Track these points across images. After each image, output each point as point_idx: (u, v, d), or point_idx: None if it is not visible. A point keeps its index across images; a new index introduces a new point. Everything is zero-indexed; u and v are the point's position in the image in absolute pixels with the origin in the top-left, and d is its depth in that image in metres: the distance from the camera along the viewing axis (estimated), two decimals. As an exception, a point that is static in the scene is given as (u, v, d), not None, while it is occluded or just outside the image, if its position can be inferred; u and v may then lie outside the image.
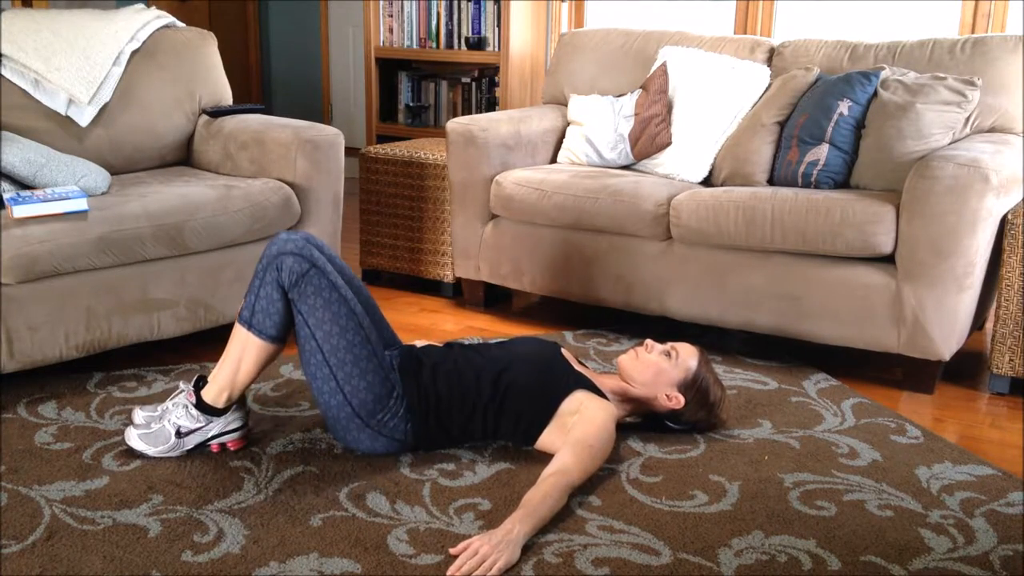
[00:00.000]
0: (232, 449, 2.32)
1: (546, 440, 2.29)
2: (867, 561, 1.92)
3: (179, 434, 2.28)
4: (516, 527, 1.92)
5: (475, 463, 2.29)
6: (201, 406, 2.29)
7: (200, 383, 2.33)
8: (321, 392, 2.24)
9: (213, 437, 2.31)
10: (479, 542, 1.88)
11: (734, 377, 2.89)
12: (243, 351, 2.26)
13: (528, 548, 1.92)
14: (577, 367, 2.41)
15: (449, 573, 1.83)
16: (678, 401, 2.40)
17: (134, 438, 2.30)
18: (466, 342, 2.82)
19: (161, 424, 2.30)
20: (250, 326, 2.25)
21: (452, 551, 1.90)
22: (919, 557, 1.94)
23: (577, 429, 2.20)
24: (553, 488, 2.03)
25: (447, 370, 2.32)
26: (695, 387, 2.40)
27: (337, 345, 2.21)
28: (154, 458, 2.28)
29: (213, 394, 2.29)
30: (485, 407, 2.30)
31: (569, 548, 1.93)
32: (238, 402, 2.33)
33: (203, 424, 2.29)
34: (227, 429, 2.32)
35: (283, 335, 2.27)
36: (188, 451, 2.30)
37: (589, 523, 2.03)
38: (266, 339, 2.25)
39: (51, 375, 2.77)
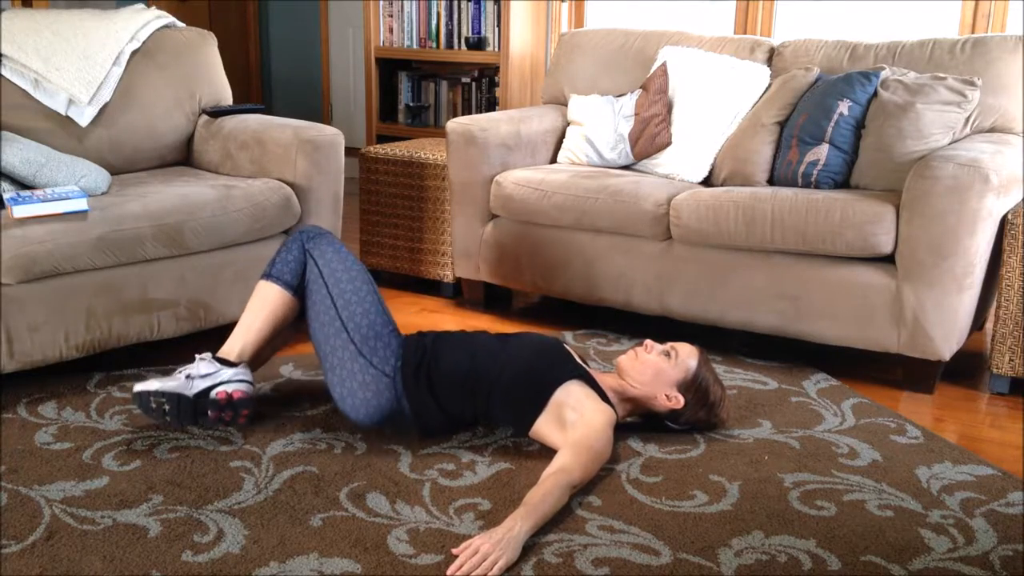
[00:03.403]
0: (236, 398, 2.35)
1: (541, 429, 2.29)
2: (867, 561, 1.92)
3: (188, 377, 2.36)
4: (517, 525, 1.92)
5: (475, 463, 2.29)
6: (215, 358, 2.41)
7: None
8: (322, 325, 2.36)
9: (220, 383, 2.36)
10: (480, 540, 1.88)
11: (734, 377, 2.89)
12: (260, 303, 2.45)
13: (528, 548, 1.92)
14: (579, 362, 2.42)
15: (450, 572, 1.84)
16: (677, 401, 2.40)
17: (144, 382, 2.36)
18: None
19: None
20: (269, 276, 2.45)
21: (454, 551, 1.90)
22: (919, 557, 1.94)
23: (578, 431, 2.21)
24: (554, 487, 2.03)
25: (446, 340, 2.44)
26: (694, 387, 2.41)
27: (340, 279, 2.39)
28: (160, 392, 2.32)
29: (226, 349, 2.44)
30: (478, 380, 2.34)
31: (569, 548, 1.93)
32: (249, 364, 2.44)
33: (213, 371, 2.37)
34: (235, 379, 2.38)
35: (298, 287, 2.44)
36: (195, 395, 2.33)
37: (589, 523, 2.03)
38: (283, 286, 2.43)
39: (51, 375, 2.77)
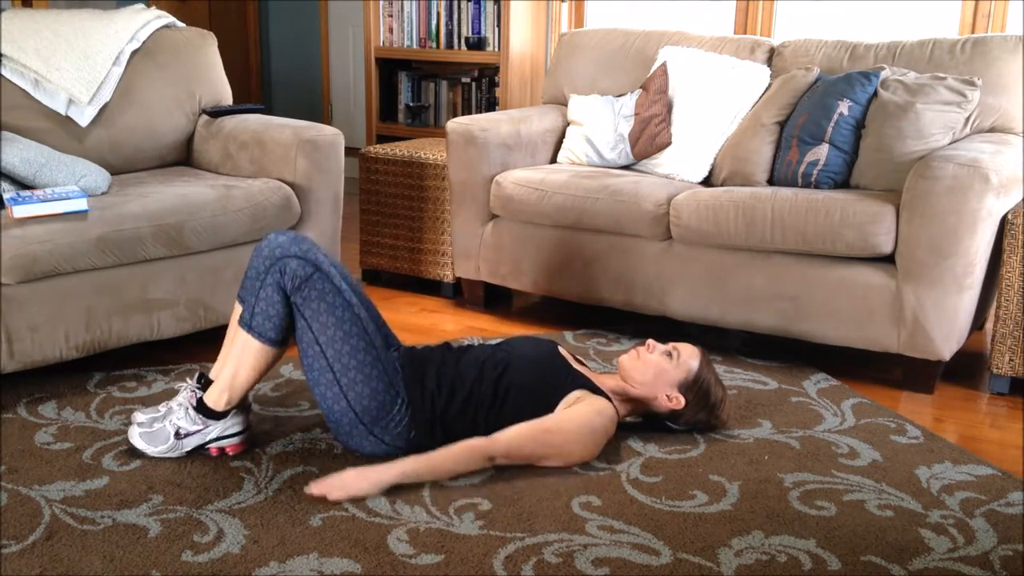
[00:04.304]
0: (230, 453, 2.31)
1: None
2: (867, 561, 1.92)
3: (178, 435, 2.27)
4: (395, 466, 2.08)
5: (475, 463, 2.29)
6: (201, 408, 2.28)
7: (202, 380, 2.33)
8: (324, 398, 2.23)
9: (212, 440, 2.30)
10: (353, 471, 2.07)
11: (734, 377, 2.89)
12: (242, 353, 2.25)
13: (528, 548, 1.92)
14: (576, 366, 2.41)
15: (307, 489, 2.02)
16: (678, 402, 2.40)
17: (135, 436, 2.29)
18: (465, 343, 2.82)
19: (162, 424, 2.29)
20: (250, 329, 2.22)
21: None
22: (919, 557, 1.94)
23: (552, 417, 2.23)
24: (465, 449, 2.14)
25: (450, 374, 2.31)
26: (696, 388, 2.40)
27: (341, 350, 2.20)
28: (153, 457, 2.28)
29: (214, 396, 2.28)
30: (488, 410, 2.29)
31: (569, 548, 1.93)
32: (238, 406, 2.31)
33: (202, 427, 2.28)
34: (226, 433, 2.30)
35: (284, 338, 2.25)
36: (187, 452, 2.29)
37: (589, 523, 2.03)
38: (267, 342, 2.23)
39: (51, 375, 2.77)
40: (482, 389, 2.29)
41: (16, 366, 2.58)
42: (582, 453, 2.26)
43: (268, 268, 2.21)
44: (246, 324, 2.23)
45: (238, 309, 2.34)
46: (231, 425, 2.31)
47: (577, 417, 2.24)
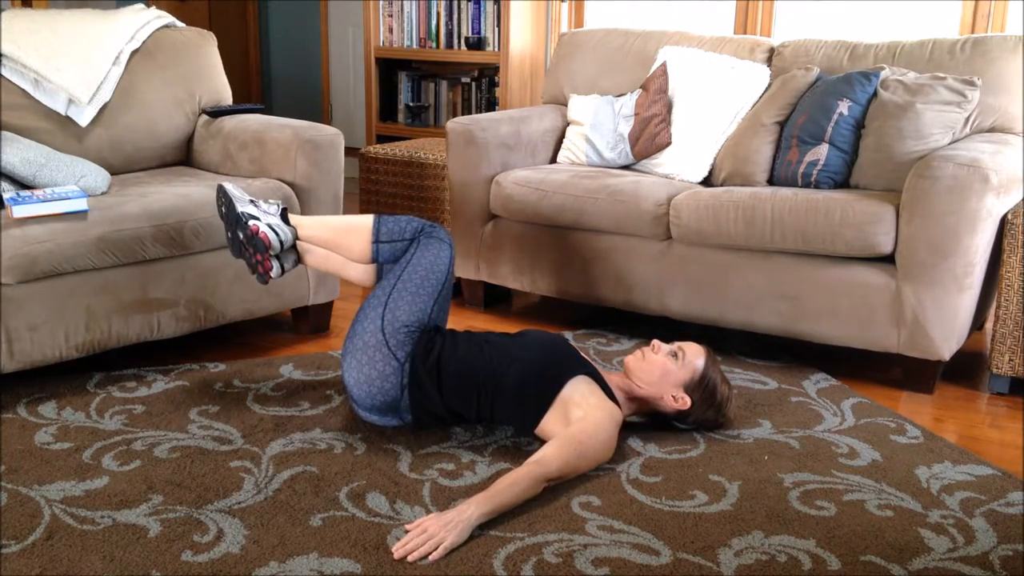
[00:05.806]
0: (257, 235, 2.46)
1: (546, 427, 2.29)
2: (867, 561, 1.92)
3: (253, 201, 2.56)
4: (471, 509, 1.97)
5: (475, 463, 2.29)
6: (282, 214, 2.57)
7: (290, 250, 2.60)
8: (369, 307, 2.39)
9: (260, 220, 2.50)
10: (430, 520, 1.94)
11: (734, 377, 2.89)
12: (346, 231, 2.55)
13: (528, 548, 1.92)
14: (586, 359, 2.43)
15: (395, 548, 1.89)
16: (684, 402, 2.40)
17: (230, 183, 2.60)
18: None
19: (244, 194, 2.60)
20: (377, 240, 2.51)
21: (407, 527, 1.96)
22: (919, 557, 1.94)
23: (575, 424, 2.21)
24: (523, 477, 2.06)
25: (458, 338, 2.43)
26: (702, 387, 2.40)
27: (414, 273, 2.43)
28: (225, 192, 2.55)
29: (296, 217, 2.60)
30: (486, 377, 2.34)
31: (569, 548, 1.93)
32: (293, 244, 2.55)
33: (269, 213, 2.54)
34: (274, 227, 2.50)
35: (376, 259, 2.52)
36: (243, 212, 2.50)
37: (589, 523, 2.03)
38: (372, 257, 2.51)
39: (51, 375, 2.77)
40: (485, 358, 2.36)
41: (16, 366, 2.58)
42: (604, 458, 2.27)
43: (427, 223, 2.55)
44: (375, 238, 2.51)
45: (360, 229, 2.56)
46: (284, 233, 2.52)
47: (599, 422, 2.24)
